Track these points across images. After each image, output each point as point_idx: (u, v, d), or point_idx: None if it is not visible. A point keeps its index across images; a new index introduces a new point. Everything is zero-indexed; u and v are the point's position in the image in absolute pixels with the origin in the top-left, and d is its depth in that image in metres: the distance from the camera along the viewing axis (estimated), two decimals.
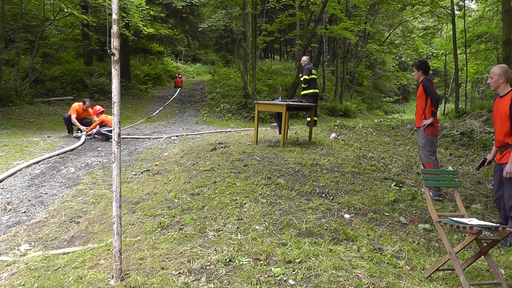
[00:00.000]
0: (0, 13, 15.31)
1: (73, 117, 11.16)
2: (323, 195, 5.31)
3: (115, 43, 3.28)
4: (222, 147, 8.26)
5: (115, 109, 3.38)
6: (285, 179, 5.78)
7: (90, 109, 11.54)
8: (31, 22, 19.28)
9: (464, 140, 11.02)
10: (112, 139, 3.42)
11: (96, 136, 11.03)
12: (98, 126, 11.07)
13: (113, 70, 3.34)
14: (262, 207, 4.69)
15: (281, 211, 4.60)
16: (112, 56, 3.30)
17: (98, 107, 11.58)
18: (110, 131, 10.70)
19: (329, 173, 6.31)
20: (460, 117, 16.26)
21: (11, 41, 17.69)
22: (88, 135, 11.06)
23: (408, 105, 50.35)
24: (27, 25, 18.81)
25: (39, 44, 18.00)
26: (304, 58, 12.68)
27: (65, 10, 16.23)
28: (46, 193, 6.39)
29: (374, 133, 12.17)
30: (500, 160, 4.52)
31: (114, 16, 3.27)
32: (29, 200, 6.04)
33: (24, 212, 5.65)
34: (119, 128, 3.41)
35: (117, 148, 3.40)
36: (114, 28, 3.26)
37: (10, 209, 5.66)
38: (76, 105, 11.39)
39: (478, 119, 13.64)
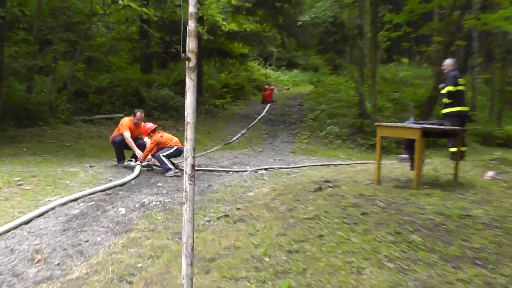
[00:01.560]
0: (36, 7, 16.03)
1: (127, 134, 11.29)
2: (479, 262, 5.02)
3: (191, 44, 3.33)
4: (329, 187, 8.22)
5: (189, 132, 3.41)
6: (421, 235, 5.60)
7: (143, 124, 11.77)
8: (74, 19, 19.65)
9: None
10: (184, 172, 3.44)
11: (154, 166, 11.26)
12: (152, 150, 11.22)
13: (187, 80, 3.37)
14: (389, 274, 4.56)
15: (417, 282, 4.44)
16: (186, 62, 3.34)
17: (149, 125, 11.64)
18: (171, 155, 10.89)
19: (486, 230, 5.97)
20: None
21: (48, 43, 18.33)
22: (145, 166, 11.29)
23: None
24: (68, 23, 19.09)
25: (82, 46, 18.66)
26: (448, 61, 12.33)
27: (120, 1, 16.41)
28: (87, 241, 6.44)
29: None
30: None
31: (191, 9, 3.33)
32: (65, 249, 6.06)
33: (58, 264, 5.63)
34: (194, 157, 3.43)
35: (189, 184, 3.42)
36: (191, 25, 3.31)
37: (40, 260, 5.69)
38: (126, 119, 11.56)
39: None
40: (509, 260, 5.15)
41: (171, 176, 10.71)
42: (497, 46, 27.14)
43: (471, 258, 5.11)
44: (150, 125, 11.60)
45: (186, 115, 3.42)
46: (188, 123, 3.42)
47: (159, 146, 11.23)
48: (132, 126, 11.61)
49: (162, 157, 10.94)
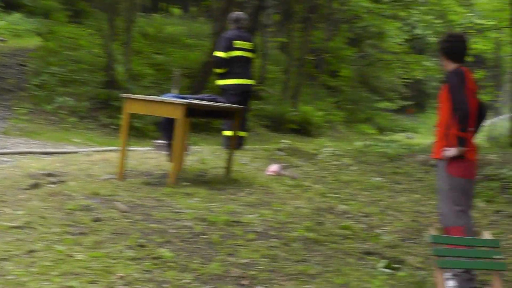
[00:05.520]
0: None
1: None
2: (244, 282, 5.33)
3: None
4: (51, 183, 8.17)
5: None
6: (173, 249, 5.80)
7: None
8: None
9: None
10: None
11: None
12: None
13: None
14: None
15: None
16: None
17: None
18: None
19: (259, 240, 6.37)
20: None
21: None
22: None
23: (423, 117, 51.25)
24: None
25: None
26: (235, 15, 12.72)
27: None
28: None
29: (354, 168, 12.29)
30: None
31: None
32: None
33: None
34: None
35: None
36: None
37: None
38: None
39: None
40: (285, 278, 5.52)
41: None
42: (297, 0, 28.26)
43: (236, 277, 5.40)
44: None
45: None
46: None
47: None
48: None
49: None
